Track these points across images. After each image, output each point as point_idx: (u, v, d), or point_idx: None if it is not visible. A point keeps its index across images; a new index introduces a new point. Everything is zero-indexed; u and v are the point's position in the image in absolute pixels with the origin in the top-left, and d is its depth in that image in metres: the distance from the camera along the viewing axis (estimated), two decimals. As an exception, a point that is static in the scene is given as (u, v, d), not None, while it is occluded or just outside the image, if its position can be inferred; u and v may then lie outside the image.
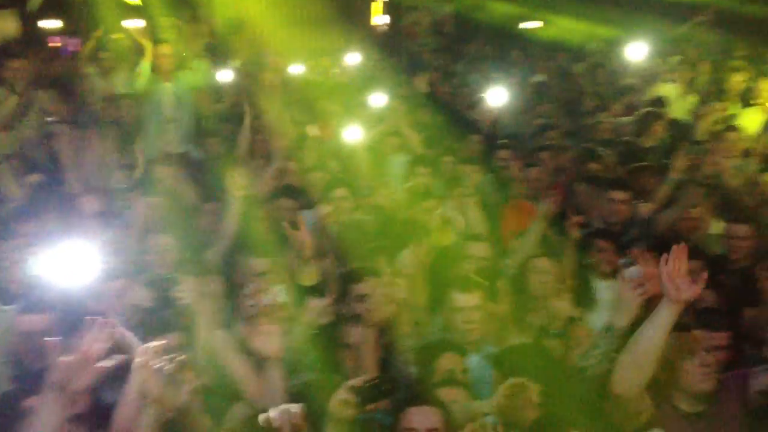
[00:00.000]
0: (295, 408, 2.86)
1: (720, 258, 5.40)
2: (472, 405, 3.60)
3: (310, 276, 4.46)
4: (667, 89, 9.12)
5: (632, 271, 3.41)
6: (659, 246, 5.45)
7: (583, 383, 3.78)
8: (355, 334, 3.94)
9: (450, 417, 3.23)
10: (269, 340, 3.39)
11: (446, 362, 3.89)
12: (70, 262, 3.16)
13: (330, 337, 4.01)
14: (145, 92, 7.55)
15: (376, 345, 3.86)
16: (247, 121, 7.09)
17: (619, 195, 5.91)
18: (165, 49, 7.49)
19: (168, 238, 5.05)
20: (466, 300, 4.32)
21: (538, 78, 10.70)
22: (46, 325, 3.85)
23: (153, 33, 11.48)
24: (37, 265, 3.12)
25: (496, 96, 8.68)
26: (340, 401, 3.06)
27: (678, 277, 3.12)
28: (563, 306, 4.35)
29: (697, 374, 3.43)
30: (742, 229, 5.42)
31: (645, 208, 6.24)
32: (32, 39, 14.27)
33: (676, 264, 3.14)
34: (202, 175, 6.79)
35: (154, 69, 7.52)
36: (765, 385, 3.50)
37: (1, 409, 3.36)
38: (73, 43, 15.66)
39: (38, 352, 3.67)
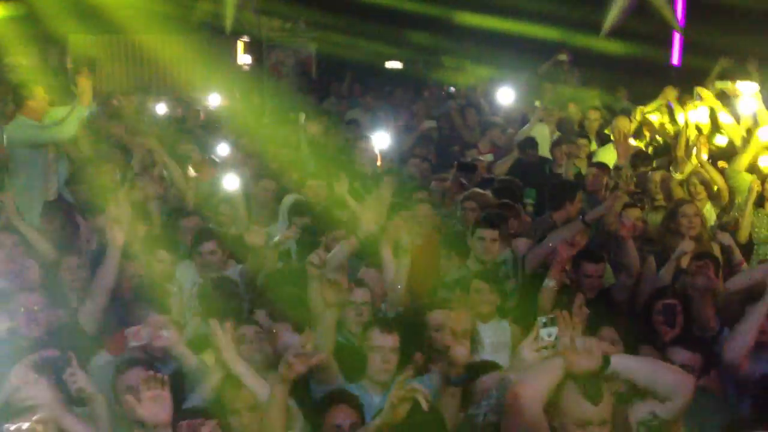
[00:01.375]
0: None
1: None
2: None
3: None
4: (538, 129, 9.42)
5: (547, 332, 3.32)
6: (530, 282, 5.72)
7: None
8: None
9: None
10: (157, 407, 3.19)
11: (336, 415, 3.74)
12: None
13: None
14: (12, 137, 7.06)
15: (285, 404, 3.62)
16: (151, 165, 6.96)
17: (487, 233, 5.89)
18: (38, 91, 7.04)
19: (37, 297, 4.59)
20: (385, 340, 4.20)
21: (430, 124, 10.76)
22: None
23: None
24: None
25: (381, 139, 8.69)
26: None
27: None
28: (462, 352, 4.23)
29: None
30: (592, 267, 5.57)
31: (522, 244, 6.35)
32: None
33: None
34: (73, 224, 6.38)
35: (25, 112, 7.02)
36: (644, 415, 3.40)
37: None
38: None
39: None
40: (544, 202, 7.15)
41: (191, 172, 7.26)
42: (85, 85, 6.97)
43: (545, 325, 3.30)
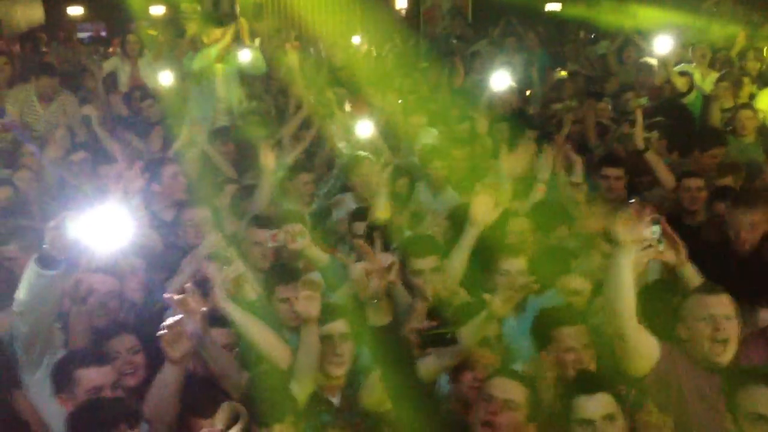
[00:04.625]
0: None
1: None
2: None
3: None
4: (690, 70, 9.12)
5: (651, 231, 3.48)
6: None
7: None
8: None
9: (531, 393, 3.35)
10: (309, 304, 3.59)
11: None
12: (106, 225, 3.36)
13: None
14: (198, 71, 7.98)
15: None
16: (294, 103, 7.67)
17: (611, 171, 6.04)
18: (218, 32, 7.80)
19: (204, 211, 5.23)
20: (513, 264, 4.44)
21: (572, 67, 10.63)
22: (113, 285, 4.18)
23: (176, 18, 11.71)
24: (77, 229, 3.35)
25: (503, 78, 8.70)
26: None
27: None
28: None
29: (710, 347, 3.39)
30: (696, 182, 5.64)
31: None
32: (56, 25, 14.50)
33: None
34: (239, 153, 7.02)
35: (208, 51, 7.84)
36: None
37: (62, 370, 3.58)
38: (97, 30, 15.93)
39: (105, 312, 4.10)
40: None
41: (347, 107, 7.62)
42: (245, 25, 7.65)
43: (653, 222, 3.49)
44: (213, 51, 7.91)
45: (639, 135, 6.22)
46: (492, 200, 4.41)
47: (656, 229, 3.51)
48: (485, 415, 3.23)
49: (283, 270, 4.58)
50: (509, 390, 3.28)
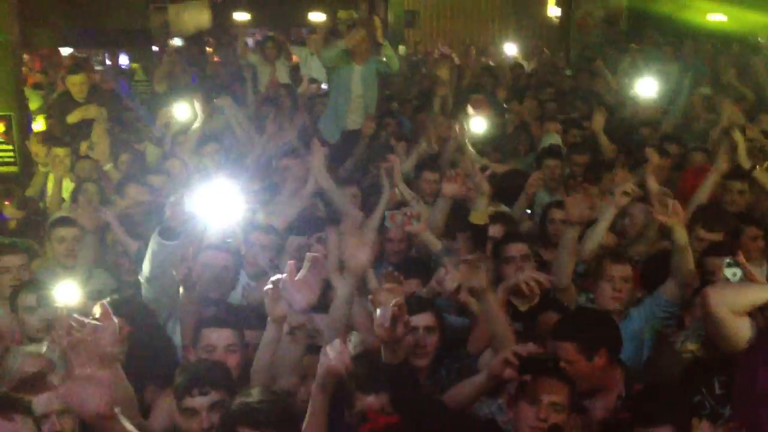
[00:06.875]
0: None
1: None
2: None
3: None
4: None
5: (731, 272, 3.52)
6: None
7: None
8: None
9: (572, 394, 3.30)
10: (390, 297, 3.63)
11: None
12: (222, 202, 3.65)
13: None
14: (337, 72, 8.31)
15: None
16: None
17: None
18: (359, 34, 8.20)
19: (317, 202, 5.68)
20: (618, 270, 4.32)
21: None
22: (227, 260, 4.40)
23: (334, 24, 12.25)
24: (193, 204, 3.68)
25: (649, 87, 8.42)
26: (503, 360, 3.21)
27: None
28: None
29: None
30: None
31: None
32: (223, 30, 15.43)
33: None
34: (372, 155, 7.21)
35: (348, 52, 8.19)
36: None
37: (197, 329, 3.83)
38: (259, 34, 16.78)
39: (219, 284, 4.32)
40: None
41: (469, 109, 7.76)
42: (378, 24, 8.40)
43: (729, 265, 3.52)
44: (340, 44, 8.29)
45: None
46: (586, 202, 4.37)
47: (737, 270, 3.51)
48: (533, 421, 3.18)
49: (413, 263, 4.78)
50: (555, 391, 3.20)
